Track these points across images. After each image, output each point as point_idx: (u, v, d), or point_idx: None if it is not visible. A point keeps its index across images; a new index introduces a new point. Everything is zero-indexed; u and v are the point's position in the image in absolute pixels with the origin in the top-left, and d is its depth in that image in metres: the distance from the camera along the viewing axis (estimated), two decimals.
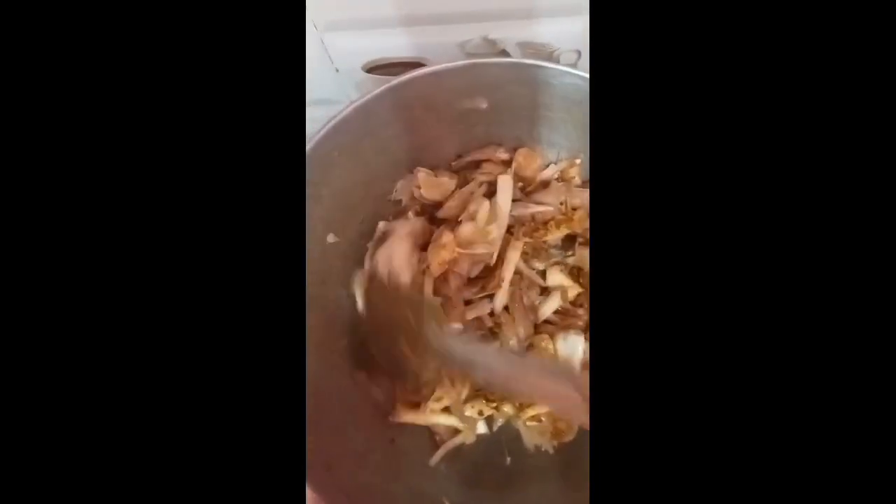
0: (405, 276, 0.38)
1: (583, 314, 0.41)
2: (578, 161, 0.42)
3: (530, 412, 0.39)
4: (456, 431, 0.40)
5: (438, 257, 0.39)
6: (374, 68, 0.48)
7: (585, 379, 0.26)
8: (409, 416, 0.39)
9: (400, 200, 0.44)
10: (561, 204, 0.41)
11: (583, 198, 0.42)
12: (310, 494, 0.32)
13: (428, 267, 0.39)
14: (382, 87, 0.37)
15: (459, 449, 0.40)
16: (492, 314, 0.41)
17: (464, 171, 0.43)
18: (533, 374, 0.33)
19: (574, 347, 0.40)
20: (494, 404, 0.40)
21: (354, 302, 0.42)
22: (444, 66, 0.37)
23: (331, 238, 0.41)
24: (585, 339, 0.40)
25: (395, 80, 0.37)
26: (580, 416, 0.29)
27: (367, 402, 0.39)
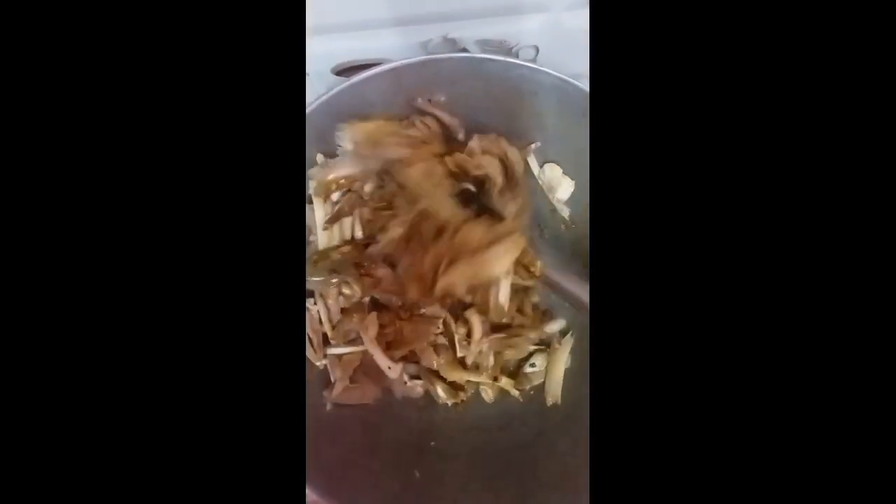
0: None
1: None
2: (532, 146, 0.44)
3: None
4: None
5: None
6: (344, 71, 0.50)
7: None
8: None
9: None
10: None
11: None
12: None
13: None
14: (344, 84, 0.39)
15: (430, 421, 0.41)
16: None
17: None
18: None
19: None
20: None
21: None
22: (402, 62, 0.40)
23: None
24: None
25: (355, 78, 0.39)
26: None
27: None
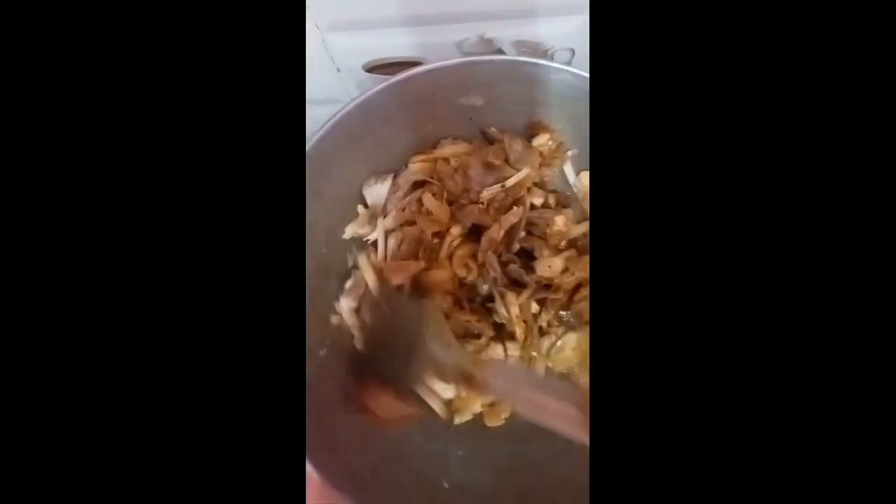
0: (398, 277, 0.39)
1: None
2: (569, 153, 0.43)
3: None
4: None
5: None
6: (375, 68, 0.49)
7: (586, 396, 0.27)
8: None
9: None
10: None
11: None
12: (315, 476, 0.33)
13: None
14: (381, 85, 0.38)
15: (458, 431, 0.41)
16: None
17: None
18: (533, 390, 0.32)
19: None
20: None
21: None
22: (440, 64, 0.39)
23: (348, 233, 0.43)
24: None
25: (394, 79, 0.38)
26: (580, 432, 0.29)
27: None
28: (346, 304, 0.42)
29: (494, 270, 0.40)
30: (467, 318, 0.41)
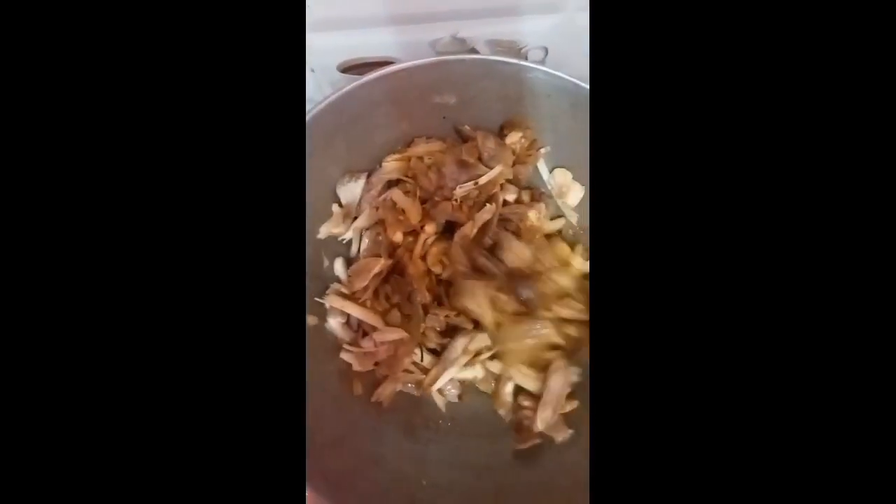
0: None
1: None
2: (542, 150, 0.43)
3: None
4: None
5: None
6: (349, 68, 0.49)
7: None
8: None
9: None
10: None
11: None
12: None
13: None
14: (354, 84, 0.38)
15: (437, 430, 0.41)
16: None
17: None
18: None
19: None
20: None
21: None
22: (412, 63, 0.39)
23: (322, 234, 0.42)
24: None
25: (365, 78, 0.38)
26: None
27: (347, 388, 0.41)
28: (335, 322, 0.42)
29: (462, 263, 0.40)
30: (446, 314, 0.40)
